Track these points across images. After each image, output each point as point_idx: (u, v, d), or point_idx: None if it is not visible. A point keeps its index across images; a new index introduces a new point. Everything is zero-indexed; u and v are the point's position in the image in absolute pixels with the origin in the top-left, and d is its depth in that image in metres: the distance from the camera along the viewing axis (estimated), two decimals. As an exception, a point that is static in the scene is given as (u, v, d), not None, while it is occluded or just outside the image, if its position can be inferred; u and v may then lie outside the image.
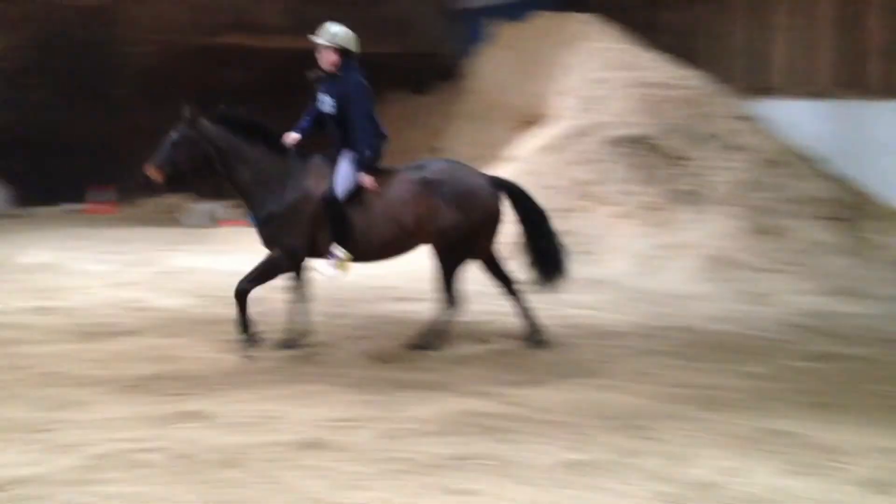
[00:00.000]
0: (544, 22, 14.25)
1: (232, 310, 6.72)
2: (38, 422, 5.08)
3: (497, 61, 14.74)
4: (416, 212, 6.59)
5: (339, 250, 6.57)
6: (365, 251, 6.69)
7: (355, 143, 6.56)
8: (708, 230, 10.16)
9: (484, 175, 7.03)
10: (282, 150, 6.69)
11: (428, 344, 6.74)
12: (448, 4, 17.69)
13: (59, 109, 14.94)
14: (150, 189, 6.79)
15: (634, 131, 11.21)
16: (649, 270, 9.77)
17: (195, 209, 14.44)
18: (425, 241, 6.74)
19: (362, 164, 6.56)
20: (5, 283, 8.98)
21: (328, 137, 6.74)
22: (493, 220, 6.79)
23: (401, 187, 6.65)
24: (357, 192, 6.57)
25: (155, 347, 6.80)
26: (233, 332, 6.73)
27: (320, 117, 6.79)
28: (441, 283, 6.73)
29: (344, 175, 6.56)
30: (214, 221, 14.09)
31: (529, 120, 12.71)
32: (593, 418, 5.25)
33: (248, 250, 11.45)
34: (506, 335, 7.20)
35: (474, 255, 6.84)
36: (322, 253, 6.61)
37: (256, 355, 6.54)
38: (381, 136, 6.79)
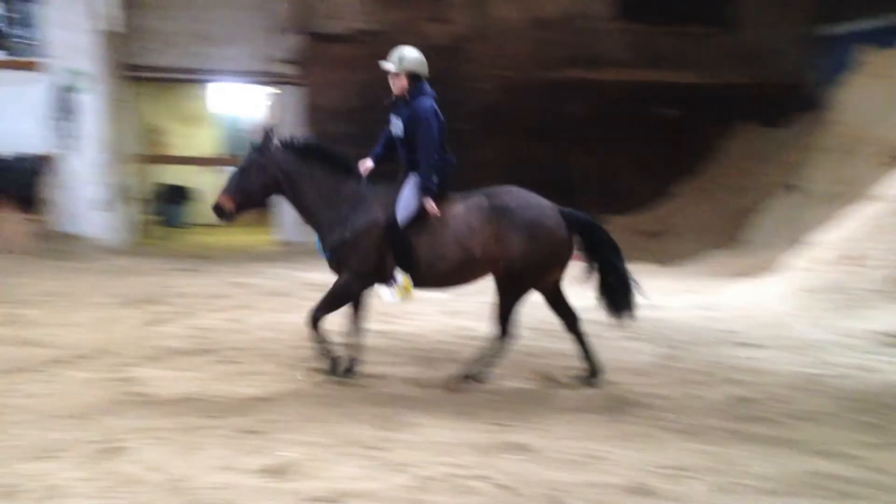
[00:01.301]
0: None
1: (561, 343, 6.80)
2: (374, 439, 5.45)
3: (864, 91, 13.80)
4: (483, 238, 6.54)
5: (400, 276, 6.59)
6: (431, 278, 6.69)
7: (421, 169, 6.59)
8: None
9: (553, 205, 6.80)
10: (351, 176, 6.79)
11: (477, 374, 6.75)
12: (810, 31, 16.85)
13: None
14: (223, 218, 6.93)
15: None
16: None
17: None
18: (492, 269, 6.65)
19: (427, 190, 6.57)
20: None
21: (398, 162, 6.83)
22: (560, 250, 6.64)
23: (469, 213, 6.61)
24: (423, 218, 6.58)
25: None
26: (545, 366, 6.83)
27: (392, 142, 6.86)
28: (499, 313, 6.68)
29: (407, 200, 6.59)
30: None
31: (900, 156, 11.74)
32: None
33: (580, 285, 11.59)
34: (861, 392, 6.64)
35: (539, 287, 6.74)
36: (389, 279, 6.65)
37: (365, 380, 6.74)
38: (448, 163, 6.77)
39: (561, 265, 6.74)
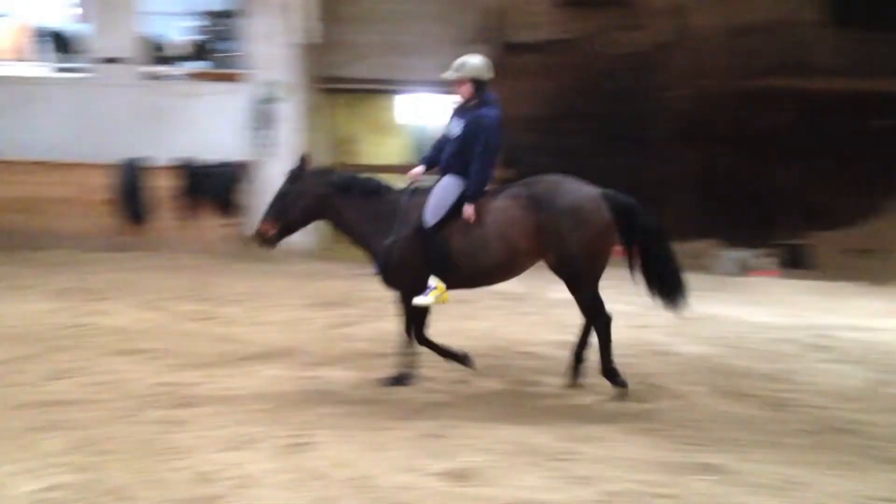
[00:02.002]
0: None
1: (755, 363, 6.52)
2: (557, 450, 5.40)
3: None
4: (525, 228, 6.47)
5: (433, 280, 6.57)
6: (477, 275, 6.69)
7: (472, 176, 6.59)
8: None
9: (596, 189, 6.68)
10: (386, 192, 6.83)
11: (612, 374, 6.69)
12: None
13: (593, 153, 15.93)
14: (264, 244, 6.89)
15: None
16: None
17: (726, 256, 14.37)
18: (540, 258, 6.58)
19: (471, 198, 6.57)
20: (533, 316, 9.72)
21: (441, 161, 6.80)
22: (608, 233, 6.52)
23: (508, 205, 6.56)
24: (459, 218, 6.56)
25: (673, 394, 6.85)
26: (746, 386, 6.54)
27: (443, 144, 6.84)
28: (584, 306, 6.64)
29: (436, 202, 6.60)
30: (745, 270, 13.87)
31: None
32: None
33: (780, 302, 11.13)
34: None
35: (601, 270, 6.59)
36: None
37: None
38: (491, 175, 6.72)
39: (610, 247, 6.58)
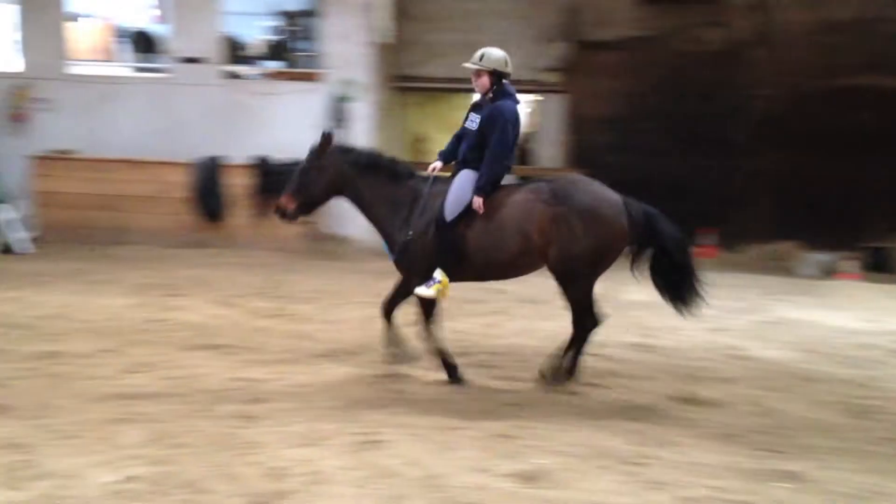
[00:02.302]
0: None
1: (836, 368, 6.36)
2: (630, 454, 5.35)
3: None
4: (540, 221, 6.47)
5: (439, 273, 6.58)
6: (485, 270, 6.74)
7: (484, 167, 6.60)
8: None
9: (618, 196, 6.64)
10: (408, 177, 6.85)
11: (570, 375, 6.73)
12: None
13: (672, 154, 15.73)
14: (283, 218, 6.92)
15: None
16: None
17: (809, 259, 14.05)
18: (546, 258, 6.55)
19: (481, 190, 6.58)
20: (613, 317, 9.59)
21: (460, 155, 6.82)
22: (618, 240, 6.49)
23: (527, 198, 6.57)
24: (474, 212, 6.59)
25: (750, 399, 6.73)
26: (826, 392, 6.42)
27: (460, 138, 6.87)
28: (573, 307, 6.62)
29: (456, 195, 6.63)
30: (829, 273, 13.55)
31: None
32: None
33: (863, 307, 10.83)
34: None
35: (598, 274, 6.61)
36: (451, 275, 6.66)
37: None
38: (508, 168, 6.75)
39: (616, 254, 6.59)
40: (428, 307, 6.90)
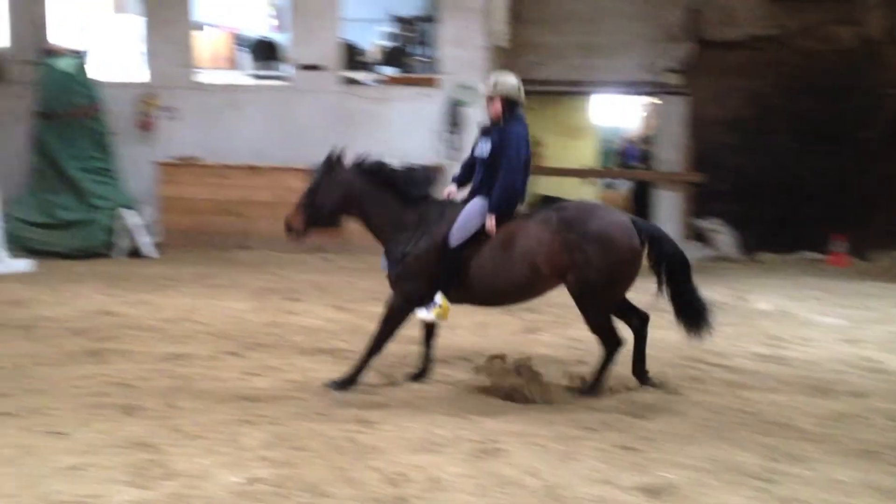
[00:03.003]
0: None
1: None
2: (760, 469, 5.19)
3: None
4: (549, 251, 6.51)
5: (439, 297, 6.64)
6: (489, 296, 6.80)
7: (497, 188, 6.66)
8: None
9: (626, 217, 6.75)
10: (418, 197, 6.85)
11: (594, 391, 6.70)
12: None
13: (800, 155, 15.27)
14: (290, 234, 6.85)
15: None
16: None
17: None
18: (563, 283, 6.61)
19: (493, 209, 6.65)
20: (736, 327, 9.39)
21: (473, 181, 6.90)
22: (632, 261, 6.55)
23: (536, 228, 6.61)
24: (487, 237, 6.65)
25: (887, 413, 6.43)
26: None
27: (472, 166, 6.93)
28: (595, 329, 6.69)
29: (465, 221, 6.67)
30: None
31: None
32: None
33: None
34: None
35: (618, 297, 6.71)
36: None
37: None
38: (521, 193, 6.80)
39: (631, 276, 6.63)
40: (399, 323, 6.87)
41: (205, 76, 15.30)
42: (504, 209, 6.69)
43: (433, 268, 6.69)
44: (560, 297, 10.56)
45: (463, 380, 7.07)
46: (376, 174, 6.91)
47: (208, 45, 16.54)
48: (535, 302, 10.27)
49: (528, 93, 17.04)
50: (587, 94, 18.04)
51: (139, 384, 6.67)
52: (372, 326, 8.78)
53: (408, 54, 15.85)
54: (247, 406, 6.16)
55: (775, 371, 7.66)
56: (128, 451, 5.17)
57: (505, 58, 15.63)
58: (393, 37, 16.45)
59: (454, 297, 6.73)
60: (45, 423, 5.66)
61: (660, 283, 6.75)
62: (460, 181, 7.11)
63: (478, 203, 6.77)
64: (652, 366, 7.63)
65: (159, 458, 5.07)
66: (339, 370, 7.20)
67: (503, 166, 6.68)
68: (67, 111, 13.49)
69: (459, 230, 6.66)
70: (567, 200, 6.83)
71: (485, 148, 6.82)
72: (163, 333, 8.32)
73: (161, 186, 14.07)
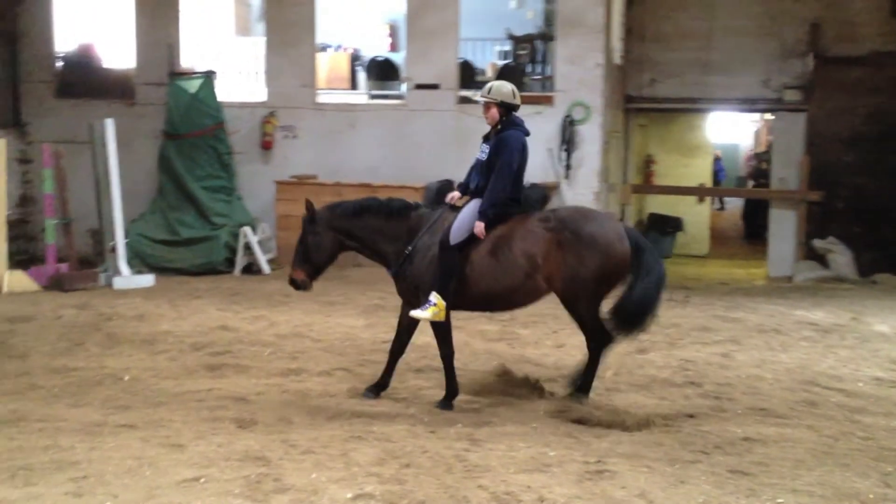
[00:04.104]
0: None
1: None
2: (876, 498, 5.04)
3: None
4: (545, 248, 6.67)
5: (434, 297, 6.65)
6: (487, 299, 6.90)
7: (488, 192, 6.80)
8: None
9: (619, 223, 7.01)
10: (409, 209, 7.07)
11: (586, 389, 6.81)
12: None
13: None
14: (299, 289, 7.24)
15: None
16: None
17: None
18: (554, 286, 6.74)
19: (482, 215, 6.75)
20: (853, 350, 9.09)
21: (471, 184, 7.05)
22: (621, 265, 6.68)
23: (529, 232, 6.75)
24: (483, 239, 6.75)
25: None
26: None
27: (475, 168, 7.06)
28: (585, 325, 6.80)
29: (462, 222, 6.79)
30: None
31: None
32: None
33: None
34: None
35: (605, 297, 6.79)
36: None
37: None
38: (516, 199, 6.89)
39: (621, 278, 6.75)
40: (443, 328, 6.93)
41: (323, 96, 15.63)
42: (494, 213, 6.82)
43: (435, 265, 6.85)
44: (674, 318, 10.49)
45: (570, 399, 7.01)
46: (348, 210, 7.16)
47: (326, 65, 16.92)
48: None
49: (642, 110, 16.88)
50: (703, 111, 17.75)
51: (254, 399, 6.86)
52: (482, 345, 8.89)
53: (523, 73, 15.87)
54: (358, 422, 6.26)
55: (894, 396, 7.38)
56: (242, 465, 5.32)
57: (620, 75, 15.52)
58: (509, 55, 16.52)
59: (453, 302, 6.84)
60: (164, 436, 5.88)
61: (631, 282, 6.76)
62: (464, 190, 7.21)
63: (475, 203, 6.93)
64: (766, 389, 7.48)
65: (272, 472, 5.19)
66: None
67: (495, 171, 6.85)
68: (192, 131, 14.00)
69: (457, 230, 6.81)
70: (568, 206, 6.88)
71: (485, 152, 7.02)
72: (277, 349, 8.53)
73: (278, 204, 14.40)
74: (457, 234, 6.79)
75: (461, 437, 5.96)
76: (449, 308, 6.79)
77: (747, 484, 5.20)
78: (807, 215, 15.35)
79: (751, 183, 21.80)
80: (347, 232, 7.12)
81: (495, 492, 4.96)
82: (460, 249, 6.79)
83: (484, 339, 9.17)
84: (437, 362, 8.02)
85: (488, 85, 7.06)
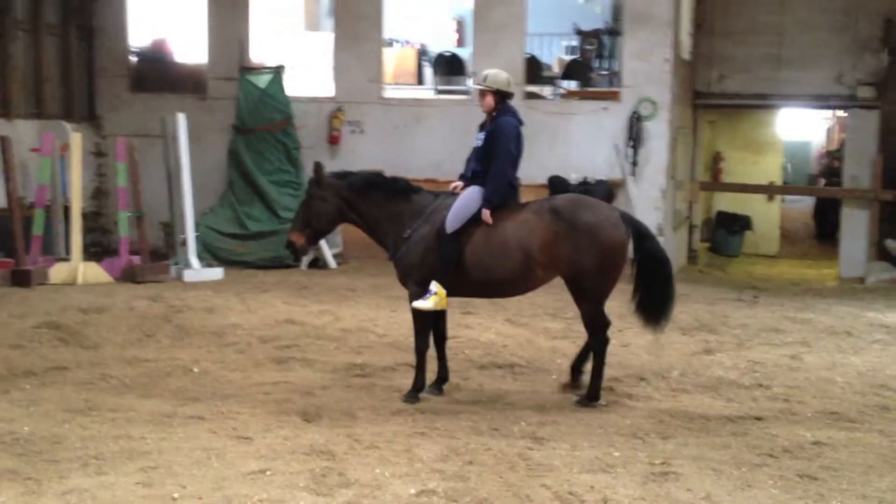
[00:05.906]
0: None
1: None
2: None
3: None
4: (542, 238, 6.66)
5: (434, 286, 6.67)
6: (485, 285, 6.91)
7: (490, 179, 6.84)
8: None
9: (614, 208, 7.08)
10: (411, 193, 7.06)
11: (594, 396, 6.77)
12: None
13: None
14: (295, 254, 7.19)
15: None
16: None
17: None
18: (557, 273, 6.78)
19: (488, 202, 6.79)
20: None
21: (466, 170, 7.11)
22: (621, 253, 6.71)
23: (531, 216, 6.78)
24: (482, 226, 6.76)
25: None
26: None
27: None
28: (590, 321, 6.78)
29: (459, 208, 6.79)
30: None
31: None
32: None
33: None
34: None
35: (609, 288, 6.80)
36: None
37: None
38: (514, 184, 6.98)
39: (621, 266, 6.77)
40: (428, 319, 6.92)
41: (389, 91, 15.68)
42: (498, 199, 6.85)
43: (433, 252, 6.85)
44: (742, 319, 10.31)
45: (634, 398, 6.98)
46: (357, 181, 7.14)
47: (393, 60, 16.97)
48: (714, 322, 10.07)
49: (710, 106, 16.62)
50: (773, 107, 17.43)
51: (319, 392, 6.93)
52: (546, 343, 8.86)
53: (590, 68, 15.74)
54: (421, 418, 6.29)
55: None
56: (308, 458, 5.38)
57: (687, 71, 15.31)
58: (576, 50, 16.41)
59: (450, 288, 6.82)
60: (232, 428, 5.97)
61: (637, 277, 6.88)
62: (465, 179, 7.18)
63: (472, 190, 6.93)
64: (837, 392, 7.33)
65: (337, 466, 5.25)
66: (515, 385, 7.26)
67: (496, 157, 6.90)
68: (261, 126, 14.18)
69: (454, 217, 6.81)
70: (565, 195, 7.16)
71: (480, 140, 7.07)
72: (342, 343, 8.59)
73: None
74: (453, 221, 6.81)
75: (524, 436, 5.95)
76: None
77: (816, 489, 5.11)
78: (879, 215, 14.97)
79: (822, 181, 21.42)
80: (353, 205, 7.11)
81: (558, 491, 4.95)
82: (457, 237, 6.80)
83: (548, 337, 9.13)
84: (502, 359, 8.07)
85: (484, 73, 7.17)
